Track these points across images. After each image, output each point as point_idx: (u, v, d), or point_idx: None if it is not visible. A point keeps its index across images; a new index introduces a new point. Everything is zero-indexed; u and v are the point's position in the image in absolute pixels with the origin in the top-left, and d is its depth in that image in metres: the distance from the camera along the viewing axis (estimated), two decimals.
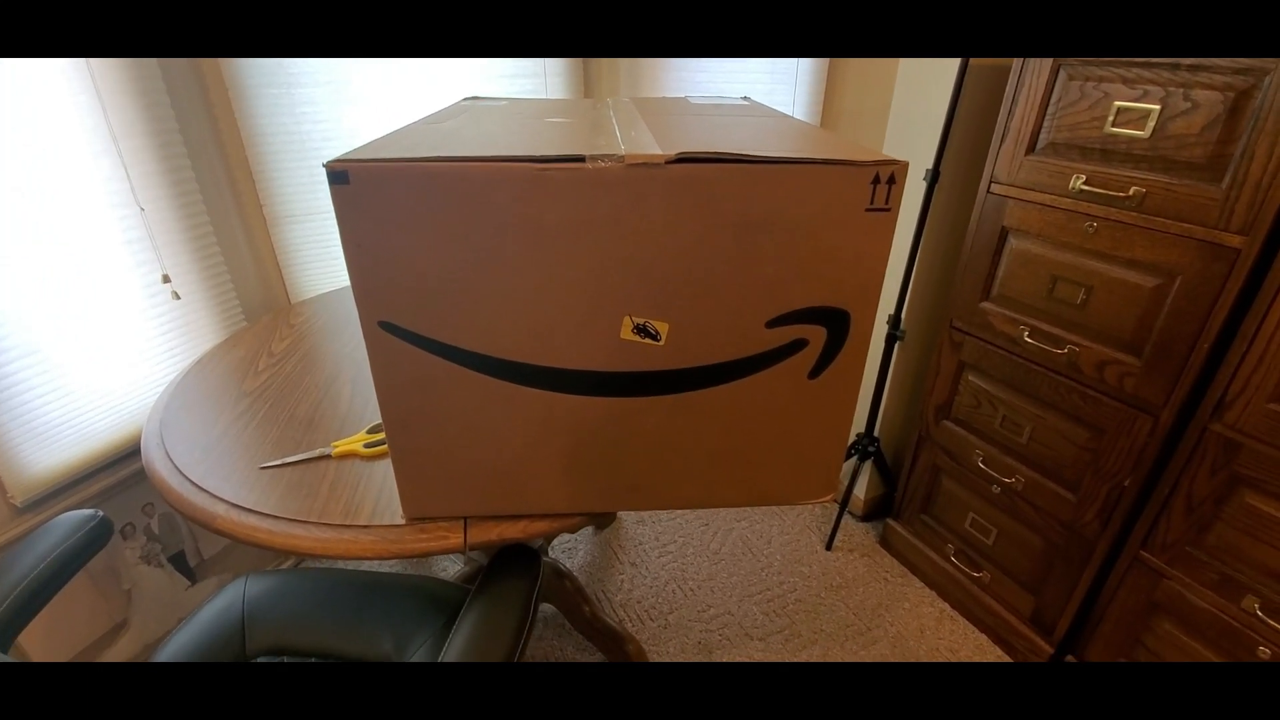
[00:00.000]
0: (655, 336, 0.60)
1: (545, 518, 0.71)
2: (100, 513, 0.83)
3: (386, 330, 0.59)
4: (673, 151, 0.52)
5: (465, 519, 0.71)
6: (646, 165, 0.52)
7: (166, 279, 1.16)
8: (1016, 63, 1.08)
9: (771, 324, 0.60)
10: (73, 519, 0.82)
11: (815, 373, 0.64)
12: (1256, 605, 0.93)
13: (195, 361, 1.05)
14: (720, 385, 0.63)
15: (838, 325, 0.61)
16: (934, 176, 1.27)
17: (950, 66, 1.23)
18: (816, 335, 0.61)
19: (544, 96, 1.49)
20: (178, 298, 1.18)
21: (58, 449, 1.06)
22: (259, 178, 1.28)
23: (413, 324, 0.58)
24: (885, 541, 1.61)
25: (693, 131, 0.64)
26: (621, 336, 0.60)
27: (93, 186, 1.03)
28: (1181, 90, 0.88)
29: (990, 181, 1.15)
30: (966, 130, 1.28)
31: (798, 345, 0.62)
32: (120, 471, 1.15)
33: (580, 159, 0.52)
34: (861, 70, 1.36)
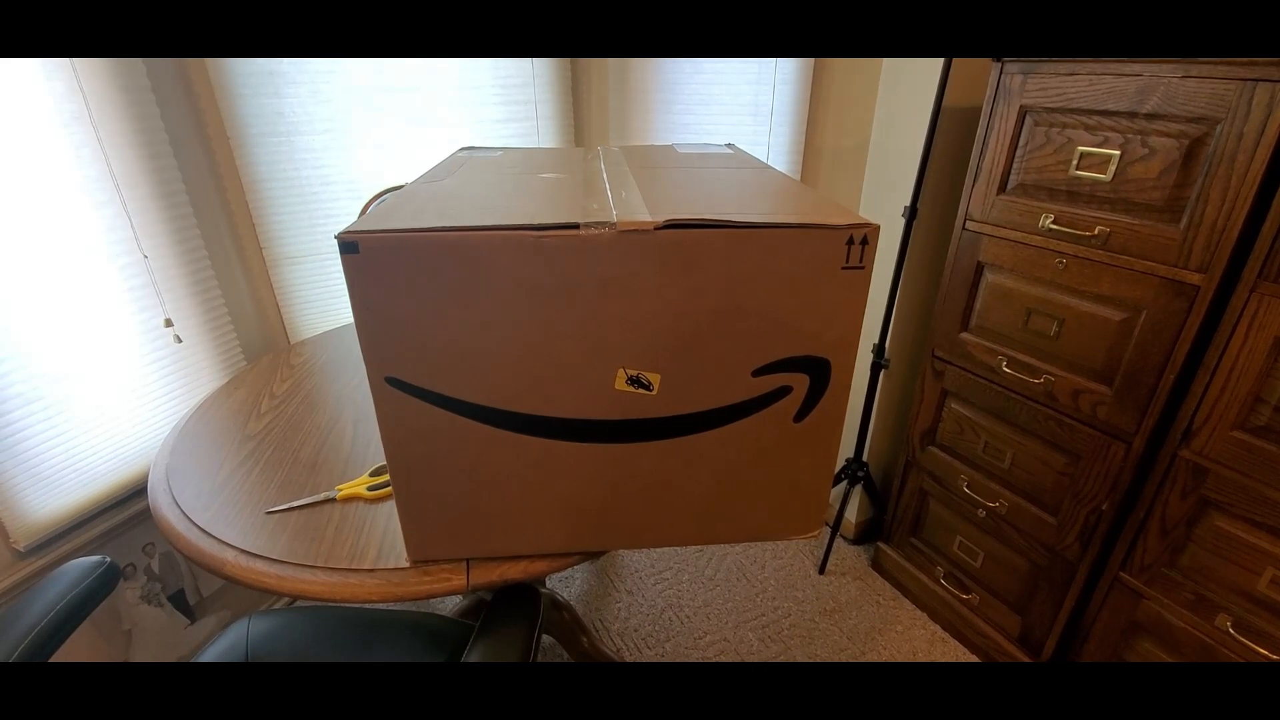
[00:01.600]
0: (648, 387, 0.64)
1: (545, 557, 0.74)
2: (107, 559, 0.85)
3: (393, 385, 0.62)
4: (661, 218, 0.56)
5: (467, 560, 0.73)
6: (637, 231, 0.56)
7: (169, 323, 1.19)
8: (985, 106, 1.13)
9: (757, 373, 0.64)
10: (80, 566, 0.83)
11: (800, 416, 0.67)
12: (1229, 623, 0.97)
13: (198, 405, 1.07)
14: (710, 430, 0.67)
15: (819, 373, 0.65)
16: (912, 213, 1.32)
17: (925, 107, 1.28)
18: (800, 382, 0.65)
19: (535, 141, 1.53)
20: (180, 341, 1.21)
21: (60, 492, 1.08)
22: (259, 221, 1.32)
23: (418, 379, 0.62)
24: (877, 564, 1.64)
25: (680, 192, 0.68)
26: (616, 387, 0.63)
27: (96, 236, 1.06)
28: (1139, 137, 0.94)
29: (965, 219, 1.21)
30: (942, 169, 1.34)
31: (782, 392, 0.65)
32: (122, 513, 1.17)
33: (575, 226, 0.56)
34: (840, 110, 1.42)
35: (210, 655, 0.93)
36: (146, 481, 1.05)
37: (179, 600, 1.30)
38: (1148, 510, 1.04)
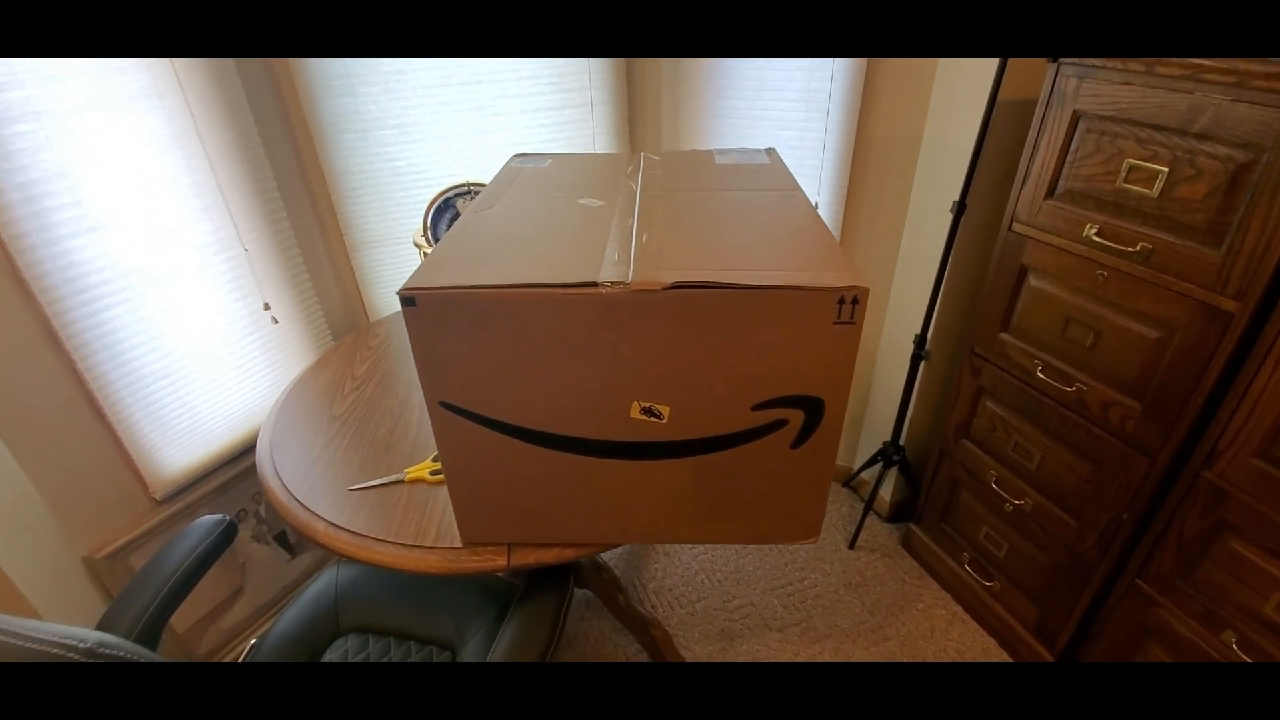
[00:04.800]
0: (659, 416, 0.73)
1: (573, 546, 0.86)
2: (228, 517, 1.04)
3: (445, 408, 0.73)
4: (669, 279, 0.64)
5: (509, 545, 0.86)
6: (647, 291, 0.64)
7: (267, 307, 1.36)
8: (1039, 108, 1.11)
9: (756, 407, 0.72)
10: (207, 523, 1.03)
11: (796, 444, 0.75)
12: (1233, 640, 0.99)
13: (293, 382, 1.24)
14: (715, 453, 0.76)
15: (813, 409, 0.72)
16: (960, 208, 1.32)
17: (980, 100, 1.25)
18: (795, 416, 0.72)
19: (590, 128, 1.59)
20: (276, 322, 1.38)
21: (186, 451, 1.29)
22: (340, 211, 1.46)
23: (466, 403, 0.73)
24: (907, 544, 1.70)
25: (697, 239, 0.74)
26: (631, 416, 0.73)
27: (206, 234, 1.23)
28: (1188, 156, 0.91)
29: (1012, 220, 1.20)
30: (993, 166, 1.31)
31: (780, 424, 0.73)
32: (235, 468, 1.38)
33: (594, 285, 0.65)
34: (894, 100, 1.39)
35: (308, 594, 1.12)
36: (255, 442, 1.23)
37: (282, 539, 1.53)
38: (1166, 524, 1.06)
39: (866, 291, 0.64)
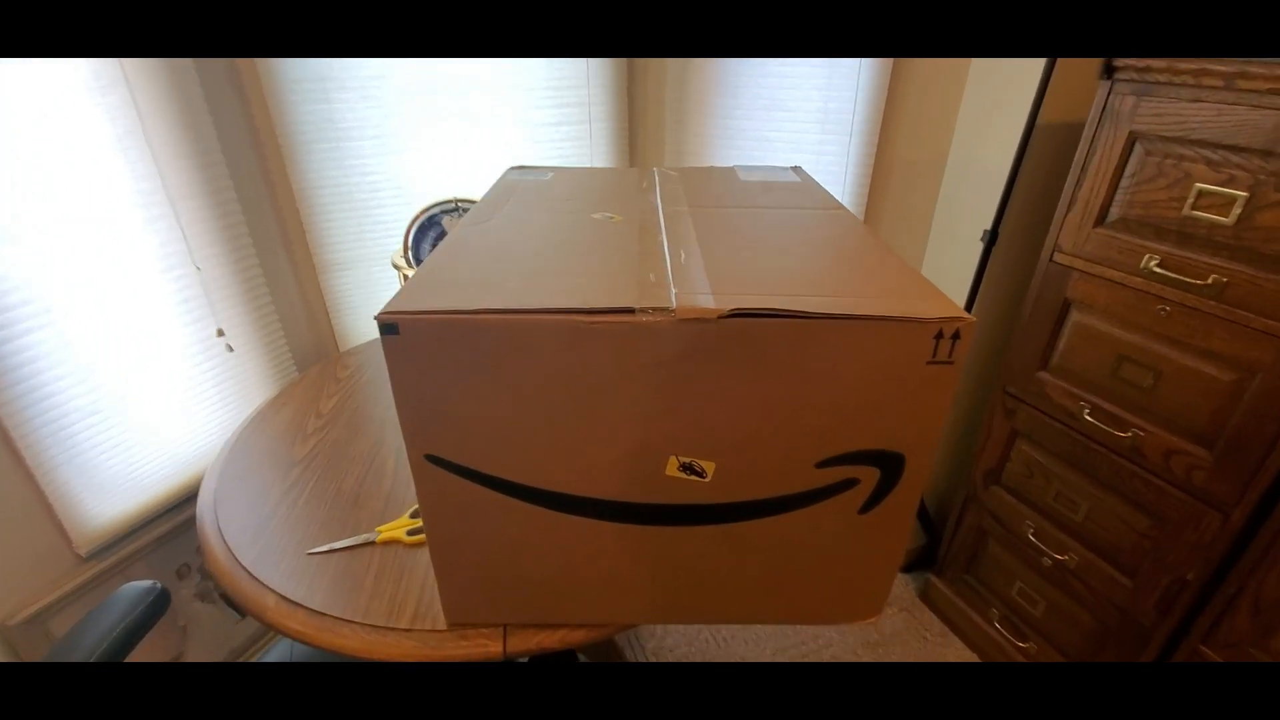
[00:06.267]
0: (701, 474, 0.59)
1: (582, 627, 0.71)
2: (159, 584, 0.86)
3: (432, 462, 0.59)
4: (726, 306, 0.51)
5: (505, 626, 0.71)
6: (698, 320, 0.51)
7: (221, 333, 1.19)
8: (1089, 128, 1.02)
9: (822, 464, 0.59)
10: (134, 591, 0.85)
11: (866, 508, 0.61)
12: None
13: (246, 421, 1.07)
14: (765, 518, 0.62)
15: (892, 466, 0.59)
16: (992, 238, 1.22)
17: (1015, 121, 1.17)
18: (869, 475, 0.59)
19: (588, 144, 1.47)
20: (231, 350, 1.22)
21: (118, 500, 1.11)
22: (309, 228, 1.31)
23: (458, 457, 0.58)
24: (925, 596, 1.57)
25: (744, 257, 0.62)
26: (667, 474, 0.59)
27: (150, 250, 1.07)
28: (1274, 180, 0.82)
29: (1054, 250, 1.10)
30: (1029, 192, 1.22)
31: (849, 484, 0.60)
32: (177, 517, 1.20)
33: (629, 310, 0.51)
34: (917, 119, 1.31)
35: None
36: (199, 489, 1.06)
37: (230, 598, 1.34)
38: (1240, 586, 0.95)
39: (972, 324, 0.51)
